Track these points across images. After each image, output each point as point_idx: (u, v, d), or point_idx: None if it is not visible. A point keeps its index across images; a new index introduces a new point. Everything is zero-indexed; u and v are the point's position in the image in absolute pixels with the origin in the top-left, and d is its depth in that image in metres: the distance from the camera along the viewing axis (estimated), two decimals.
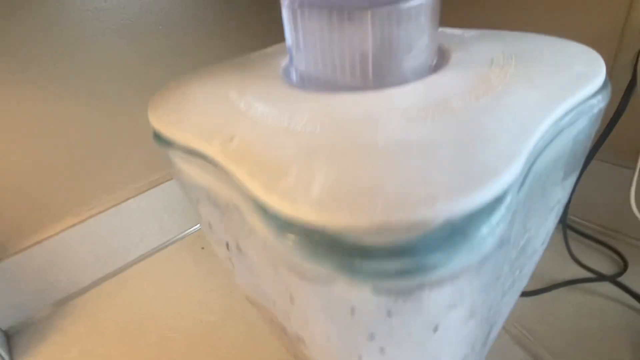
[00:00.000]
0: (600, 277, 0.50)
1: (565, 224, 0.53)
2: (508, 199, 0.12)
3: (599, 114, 0.17)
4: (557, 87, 0.16)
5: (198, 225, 0.69)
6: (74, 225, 0.56)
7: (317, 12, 0.17)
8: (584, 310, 0.48)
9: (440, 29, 0.23)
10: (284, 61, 0.22)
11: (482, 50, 0.20)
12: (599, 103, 0.17)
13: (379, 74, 0.17)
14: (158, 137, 0.18)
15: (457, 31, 0.22)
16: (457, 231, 0.11)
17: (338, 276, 0.12)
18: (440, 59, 0.20)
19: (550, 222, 0.19)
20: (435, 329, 0.14)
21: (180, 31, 0.58)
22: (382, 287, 0.12)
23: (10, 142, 0.49)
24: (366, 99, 0.16)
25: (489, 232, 0.12)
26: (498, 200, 0.12)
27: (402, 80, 0.17)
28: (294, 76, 0.20)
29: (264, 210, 0.12)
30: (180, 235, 0.68)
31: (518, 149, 0.13)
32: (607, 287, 0.50)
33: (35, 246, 0.53)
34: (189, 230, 0.68)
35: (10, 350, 0.52)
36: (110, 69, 0.53)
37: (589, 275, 0.51)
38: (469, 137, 0.14)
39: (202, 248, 0.65)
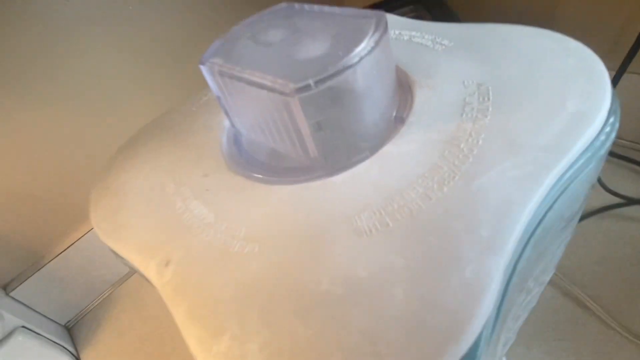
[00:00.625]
0: (630, 201, 0.47)
1: None
2: (480, 347, 0.10)
3: (607, 150, 0.14)
4: (544, 147, 0.13)
5: None
6: None
7: (241, 85, 0.14)
8: (615, 237, 0.46)
9: (409, 35, 0.19)
10: (227, 121, 0.19)
11: (453, 85, 0.16)
12: (605, 141, 0.14)
13: (325, 152, 0.14)
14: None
15: (427, 41, 0.18)
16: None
17: None
18: (403, 101, 0.16)
19: (558, 253, 0.17)
20: None
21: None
22: None
23: (30, 158, 0.49)
24: (311, 196, 0.14)
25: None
26: (466, 357, 0.10)
27: (354, 155, 0.14)
28: (238, 140, 0.17)
29: None
30: None
31: (489, 272, 0.11)
32: (638, 211, 0.47)
33: (70, 247, 0.56)
34: None
35: (73, 342, 0.58)
36: (112, 71, 0.50)
37: (618, 201, 0.48)
38: (429, 259, 0.11)
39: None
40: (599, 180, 0.48)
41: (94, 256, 0.59)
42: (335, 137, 0.14)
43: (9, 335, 0.51)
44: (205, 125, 0.19)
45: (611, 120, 0.14)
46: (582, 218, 0.48)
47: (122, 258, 0.16)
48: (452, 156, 0.14)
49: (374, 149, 0.15)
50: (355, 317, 0.11)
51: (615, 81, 0.45)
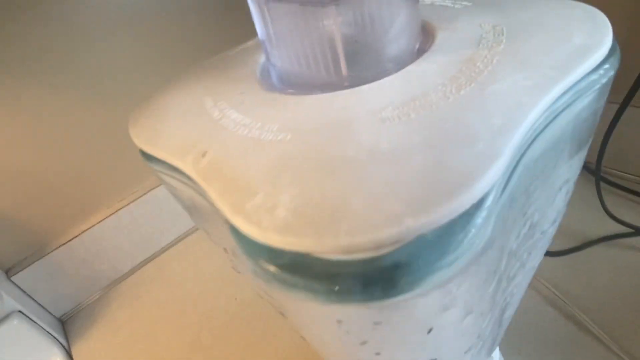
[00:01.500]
0: (637, 231, 0.47)
1: (598, 178, 0.50)
2: (487, 204, 0.11)
3: (606, 86, 0.16)
4: (552, 66, 0.14)
5: None
6: (108, 215, 0.58)
7: (283, 6, 0.16)
8: (621, 266, 0.46)
9: (431, 1, 0.21)
10: (263, 57, 0.21)
11: (470, 26, 0.18)
12: (605, 75, 0.15)
13: (353, 68, 0.16)
14: (141, 152, 0.18)
15: (448, 3, 0.20)
16: (430, 245, 0.11)
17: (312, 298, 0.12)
18: (425, 40, 0.18)
19: (559, 201, 0.18)
20: (430, 331, 0.13)
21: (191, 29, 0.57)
22: (359, 304, 0.12)
23: (44, 146, 0.51)
24: (340, 100, 0.15)
25: (467, 242, 0.11)
26: (475, 208, 0.11)
27: (380, 73, 0.16)
28: (272, 73, 0.19)
29: (235, 231, 0.12)
30: None
31: (499, 149, 0.12)
32: None
33: (75, 239, 0.57)
34: None
35: (66, 336, 0.57)
36: (127, 66, 0.53)
37: (625, 230, 0.49)
38: (446, 138, 0.13)
39: None
40: (605, 209, 0.49)
41: (98, 250, 0.59)
42: (365, 55, 0.16)
43: (5, 318, 0.51)
44: (242, 61, 0.21)
45: (611, 59, 0.16)
46: (589, 245, 0.48)
47: (157, 162, 0.17)
48: (469, 70, 0.15)
49: (399, 68, 0.16)
50: (378, 174, 0.12)
51: (619, 114, 0.47)
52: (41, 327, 0.54)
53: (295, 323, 0.15)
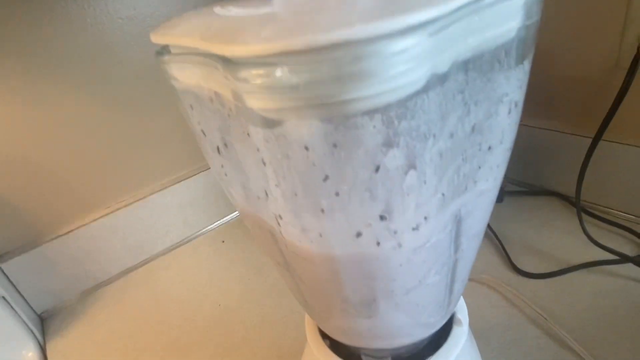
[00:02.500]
0: (623, 258, 0.48)
1: (579, 207, 0.52)
2: (415, 42, 0.13)
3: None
4: None
5: (219, 221, 0.72)
6: (105, 215, 0.60)
7: None
8: (604, 291, 0.47)
9: None
10: None
11: None
12: None
13: None
14: (158, 52, 0.21)
15: None
16: (369, 56, 0.13)
17: (287, 111, 0.13)
18: None
19: (502, 118, 0.19)
20: (377, 169, 0.15)
21: None
22: (318, 113, 0.13)
23: (54, 138, 0.54)
24: None
25: (399, 63, 0.13)
26: (409, 31, 0.13)
27: None
28: None
29: (226, 62, 0.14)
30: (203, 230, 0.71)
31: None
32: (628, 269, 0.48)
33: (69, 234, 0.58)
34: (211, 226, 0.72)
35: (43, 332, 0.56)
36: (139, 72, 0.58)
37: (608, 257, 0.50)
38: None
39: (223, 241, 0.68)
40: (587, 235, 0.51)
41: (90, 249, 0.60)
42: None
43: None
44: None
45: None
46: (571, 270, 0.49)
47: (171, 54, 0.20)
48: None
49: None
50: (343, 11, 0.14)
51: (592, 148, 0.50)
52: (21, 318, 0.53)
53: (274, 177, 0.16)
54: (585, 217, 0.58)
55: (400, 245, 0.17)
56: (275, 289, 0.56)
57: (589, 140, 0.50)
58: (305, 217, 0.16)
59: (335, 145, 0.14)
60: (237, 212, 0.74)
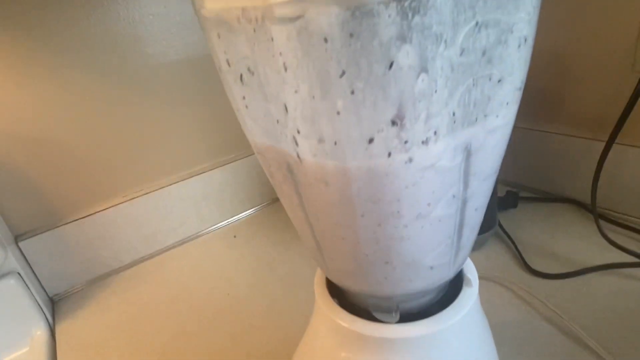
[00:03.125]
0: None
1: (595, 210, 0.52)
2: None
3: None
4: None
5: (232, 217, 0.73)
6: (122, 202, 0.61)
7: None
8: (621, 292, 0.46)
9: None
10: None
11: None
12: None
13: None
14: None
15: None
16: None
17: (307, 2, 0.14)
18: None
19: (512, 50, 0.19)
20: (390, 66, 0.16)
21: None
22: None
23: (79, 123, 0.56)
24: None
25: None
26: None
27: None
28: None
29: None
30: (215, 226, 0.72)
31: None
32: None
33: (87, 218, 0.59)
34: (224, 222, 0.72)
35: (53, 314, 0.57)
36: (165, 66, 0.61)
37: (624, 260, 0.49)
38: None
39: (235, 237, 0.68)
40: (605, 236, 0.50)
41: (105, 235, 0.61)
42: None
43: (4, 275, 0.52)
44: None
45: None
46: (588, 271, 0.49)
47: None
48: None
49: None
50: None
51: (605, 151, 0.49)
52: (34, 297, 0.54)
53: (294, 85, 0.17)
54: (601, 222, 0.57)
55: (410, 160, 0.17)
56: (285, 281, 0.56)
57: (603, 144, 0.50)
58: (322, 122, 0.17)
59: (351, 35, 0.15)
60: (249, 209, 0.75)
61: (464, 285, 0.27)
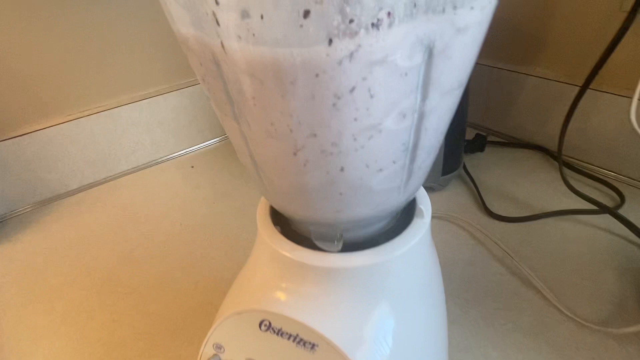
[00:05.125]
0: (602, 208, 0.47)
1: (560, 156, 0.51)
2: None
3: None
4: None
5: (190, 147, 0.69)
6: (64, 122, 0.56)
7: None
8: (573, 237, 0.46)
9: None
10: None
11: None
12: None
13: None
14: None
15: None
16: None
17: None
18: None
19: None
20: None
21: None
22: None
23: (18, 33, 0.49)
24: None
25: None
26: None
27: None
28: None
29: None
30: (172, 155, 0.68)
31: None
32: (601, 220, 0.48)
33: (25, 136, 0.54)
34: (181, 152, 0.68)
35: None
36: None
37: (583, 207, 0.49)
38: None
39: (192, 167, 0.65)
40: (568, 185, 0.50)
41: (45, 155, 0.56)
42: None
43: None
44: None
45: None
46: (545, 216, 0.48)
47: None
48: None
49: None
50: None
51: (578, 96, 0.47)
52: None
53: None
54: (565, 170, 0.56)
55: (357, 49, 0.14)
56: (240, 213, 0.54)
57: (577, 90, 0.48)
58: None
59: None
60: (209, 140, 0.71)
61: (415, 216, 0.25)
